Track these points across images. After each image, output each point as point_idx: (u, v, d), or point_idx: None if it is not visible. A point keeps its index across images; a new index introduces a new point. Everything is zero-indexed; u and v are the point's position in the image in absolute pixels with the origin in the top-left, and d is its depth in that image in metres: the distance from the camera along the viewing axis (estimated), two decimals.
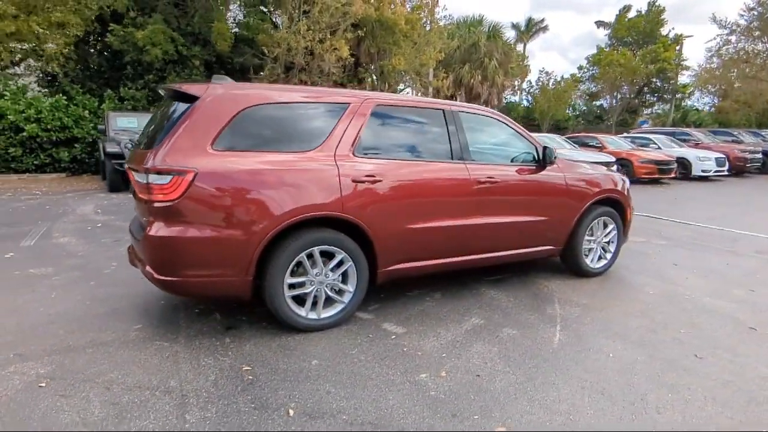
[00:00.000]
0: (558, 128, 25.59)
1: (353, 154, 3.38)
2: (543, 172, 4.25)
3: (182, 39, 15.23)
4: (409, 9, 18.25)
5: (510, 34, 28.29)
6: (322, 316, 3.38)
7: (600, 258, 4.81)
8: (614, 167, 12.01)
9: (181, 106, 3.12)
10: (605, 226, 4.75)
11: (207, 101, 3.03)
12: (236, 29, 15.66)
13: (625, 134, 18.36)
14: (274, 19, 16.19)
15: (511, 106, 28.72)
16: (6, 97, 12.80)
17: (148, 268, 3.07)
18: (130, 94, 14.66)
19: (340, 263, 3.39)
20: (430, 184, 3.66)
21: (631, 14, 34.46)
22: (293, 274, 3.26)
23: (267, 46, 14.75)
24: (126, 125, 11.39)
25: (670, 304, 4.04)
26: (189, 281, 3.03)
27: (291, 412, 2.42)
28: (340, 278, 3.45)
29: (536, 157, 4.22)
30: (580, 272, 4.68)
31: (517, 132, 4.27)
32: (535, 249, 4.35)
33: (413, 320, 3.61)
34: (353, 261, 3.40)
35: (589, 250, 4.71)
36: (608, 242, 4.83)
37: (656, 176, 13.40)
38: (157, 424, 2.30)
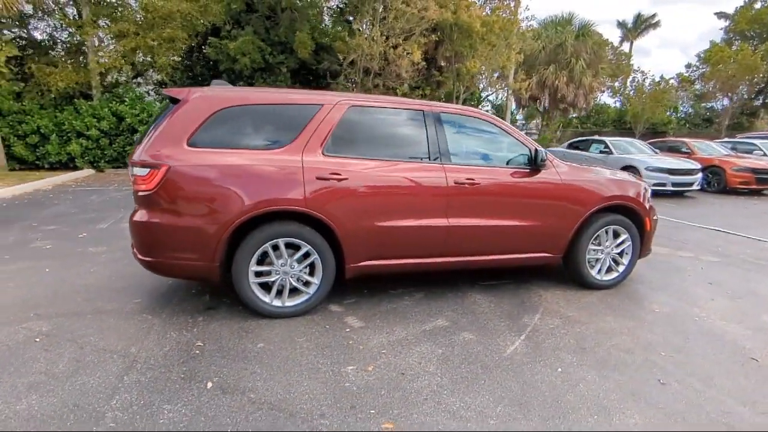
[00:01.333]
0: (655, 132, 23.24)
1: (322, 153, 3.49)
2: (536, 176, 4.00)
3: (270, 48, 16.40)
4: (488, 11, 17.82)
5: (609, 33, 26.31)
6: (286, 304, 3.54)
7: (610, 270, 4.40)
8: (698, 175, 10.73)
9: (171, 108, 3.47)
10: (616, 235, 4.33)
11: (186, 103, 3.34)
12: (318, 37, 16.44)
13: (726, 139, 16.21)
14: (351, 27, 16.73)
15: (600, 108, 26.64)
16: (126, 103, 14.79)
17: (134, 248, 3.46)
18: None
19: (307, 255, 3.52)
20: (400, 184, 3.64)
21: (758, 5, 30.30)
22: (261, 263, 3.47)
23: (342, 53, 15.33)
24: None
25: (669, 324, 3.60)
26: (164, 262, 3.37)
27: (209, 384, 2.61)
28: (307, 270, 3.58)
29: (530, 159, 4.00)
30: (585, 283, 4.33)
31: (509, 134, 4.07)
32: (526, 255, 4.12)
33: (378, 317, 3.63)
34: (318, 254, 3.52)
35: (596, 260, 4.33)
36: (621, 254, 4.40)
37: (755, 186, 11.69)
38: (96, 380, 2.61)
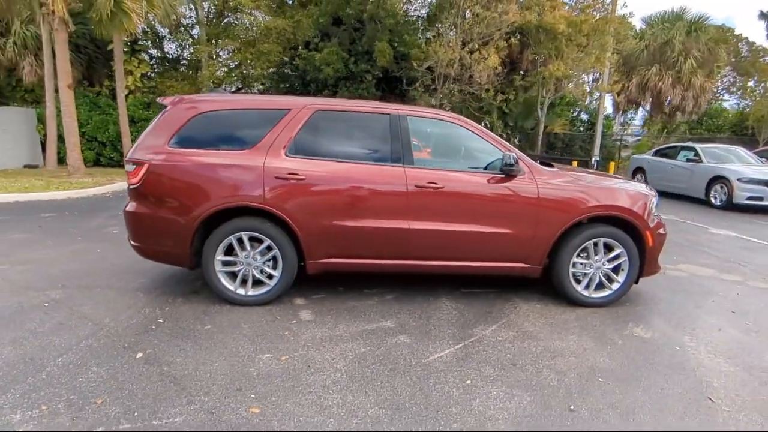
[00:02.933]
0: None
1: (285, 154, 3.68)
2: (510, 182, 3.77)
3: (353, 58, 17.09)
4: (577, 11, 16.66)
5: (749, 27, 22.61)
6: (249, 293, 3.78)
7: (601, 287, 3.97)
8: None
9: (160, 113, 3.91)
10: (609, 249, 3.90)
11: (169, 109, 3.75)
12: (397, 46, 16.74)
13: None
14: (427, 35, 16.75)
15: (715, 111, 23.18)
16: None
17: (128, 234, 3.96)
18: None
19: (271, 249, 3.74)
20: (359, 185, 3.69)
21: None
22: (230, 254, 3.75)
23: (418, 60, 15.43)
24: None
25: (637, 351, 3.17)
26: (148, 248, 3.82)
27: (139, 355, 2.93)
28: (271, 263, 3.79)
29: (503, 165, 3.77)
30: (570, 299, 3.96)
31: (483, 138, 3.88)
32: (498, 264, 3.89)
33: (333, 313, 3.70)
34: (279, 249, 3.71)
35: (584, 275, 3.94)
36: (616, 270, 3.95)
37: None
38: (60, 341, 3.07)
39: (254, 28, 18.48)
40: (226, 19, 20.00)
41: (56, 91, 12.91)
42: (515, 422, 2.34)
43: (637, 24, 20.56)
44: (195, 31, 20.24)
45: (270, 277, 3.79)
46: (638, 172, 12.66)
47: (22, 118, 15.64)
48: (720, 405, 2.54)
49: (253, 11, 18.56)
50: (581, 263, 3.91)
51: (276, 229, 3.69)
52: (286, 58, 17.96)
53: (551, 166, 4.10)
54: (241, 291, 3.78)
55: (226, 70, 19.78)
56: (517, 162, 3.68)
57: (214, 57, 19.33)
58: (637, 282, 4.09)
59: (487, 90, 16.13)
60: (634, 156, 14.11)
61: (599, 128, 17.74)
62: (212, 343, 3.13)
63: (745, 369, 2.96)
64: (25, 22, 15.04)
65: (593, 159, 11.22)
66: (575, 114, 21.87)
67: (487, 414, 2.41)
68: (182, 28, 21.18)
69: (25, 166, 14.86)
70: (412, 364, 2.91)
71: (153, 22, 18.37)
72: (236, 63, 19.72)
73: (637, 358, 3.07)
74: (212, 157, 3.65)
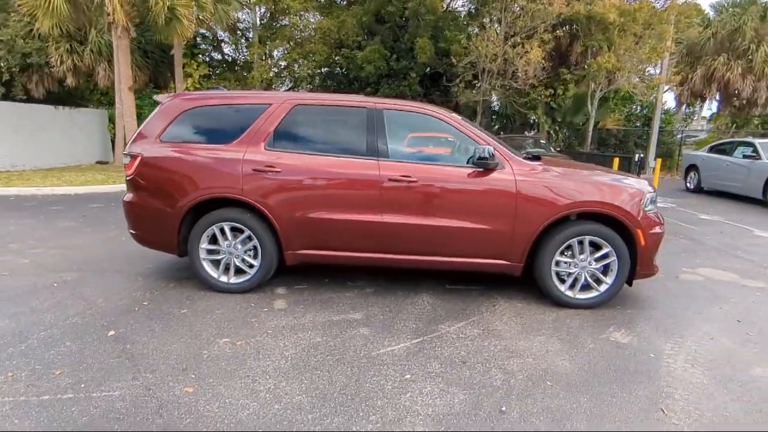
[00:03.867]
0: None
1: (264, 147, 3.77)
2: (488, 176, 3.62)
3: (395, 56, 17.08)
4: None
5: None
6: (231, 281, 3.91)
7: (588, 288, 3.72)
8: None
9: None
10: (597, 248, 3.64)
11: (162, 105, 3.96)
12: (439, 42, 16.50)
13: None
14: (468, 30, 16.34)
15: None
16: None
17: (126, 223, 4.22)
18: None
19: (251, 239, 3.85)
20: (332, 178, 3.70)
21: None
22: (213, 243, 3.90)
23: (459, 56, 15.12)
24: None
25: (605, 358, 2.92)
26: (142, 235, 4.06)
27: (111, 333, 3.13)
28: (252, 252, 3.89)
29: (480, 159, 3.62)
30: (554, 300, 3.74)
31: (461, 132, 3.74)
32: (476, 261, 3.75)
33: (307, 304, 3.74)
34: (258, 239, 3.81)
35: (568, 274, 3.70)
36: (604, 270, 3.68)
37: None
38: (51, 317, 3.34)
39: (302, 29, 18.95)
40: (279, 23, 20.68)
41: None
42: (436, 419, 2.26)
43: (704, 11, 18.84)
44: (251, 34, 21.12)
45: (251, 266, 3.90)
46: (691, 170, 11.63)
47: (96, 119, 17.10)
48: (670, 418, 2.30)
49: (302, 13, 19.09)
50: (565, 262, 3.68)
51: (255, 220, 3.79)
52: (336, 57, 18.26)
53: (538, 159, 3.88)
54: (223, 278, 3.92)
55: (276, 70, 20.46)
56: (492, 156, 3.52)
57: (265, 58, 20.02)
58: (630, 284, 3.80)
59: (533, 86, 15.53)
60: (687, 153, 12.99)
61: (656, 123, 16.51)
62: (181, 325, 3.28)
63: (720, 382, 2.65)
64: (100, 31, 16.37)
65: (636, 156, 10.42)
66: (634, 109, 20.43)
67: (411, 409, 2.34)
68: (238, 32, 22.17)
69: (97, 162, 16.24)
70: (360, 356, 2.89)
71: (213, 27, 19.41)
72: (286, 64, 20.36)
73: (601, 363, 2.85)
74: (197, 150, 3.81)
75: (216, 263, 3.93)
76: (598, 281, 3.70)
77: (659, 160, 10.89)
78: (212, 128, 3.91)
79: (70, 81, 16.54)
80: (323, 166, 3.72)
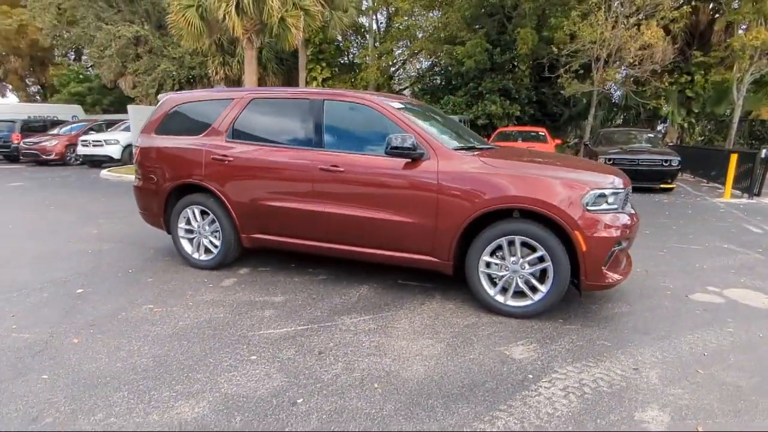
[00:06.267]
0: None
1: (225, 138, 4.07)
2: (412, 167, 3.35)
3: (498, 48, 16.25)
4: None
5: None
6: (201, 258, 4.32)
7: (521, 294, 3.20)
8: None
9: None
10: (533, 250, 3.12)
11: (160, 103, 4.54)
12: (543, 31, 15.18)
13: None
14: (571, 16, 14.66)
15: None
16: None
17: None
18: (451, 101, 17.03)
19: (214, 222, 4.20)
20: (273, 167, 3.82)
21: None
22: (189, 224, 4.35)
23: (564, 44, 13.74)
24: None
25: (472, 372, 2.53)
26: (144, 215, 4.69)
27: (80, 291, 3.74)
28: (218, 234, 4.24)
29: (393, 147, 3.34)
30: (484, 304, 3.32)
31: (394, 122, 3.49)
32: (405, 255, 3.51)
33: (250, 284, 3.92)
34: (218, 221, 4.14)
35: (500, 278, 3.24)
36: (540, 275, 3.14)
37: None
38: (59, 275, 4.12)
39: (411, 30, 19.17)
40: (393, 26, 21.26)
41: None
42: (228, 398, 2.27)
43: None
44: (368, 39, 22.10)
45: (216, 246, 4.25)
46: None
47: None
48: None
49: (412, 14, 19.31)
50: (496, 264, 3.24)
51: (216, 204, 4.12)
52: (439, 55, 18.13)
53: (474, 149, 3.47)
54: (195, 255, 4.35)
55: (393, 70, 21.07)
56: (410, 146, 3.25)
57: (379, 58, 20.71)
58: (580, 294, 3.18)
59: (656, 72, 13.37)
60: None
61: None
62: (132, 290, 3.76)
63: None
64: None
65: (763, 152, 8.15)
66: None
67: (218, 386, 2.38)
68: (357, 36, 23.36)
69: None
70: (237, 334, 2.99)
71: (337, 33, 20.82)
72: (401, 62, 20.85)
73: (461, 375, 2.48)
74: (177, 141, 4.28)
75: (191, 241, 4.38)
76: (533, 289, 3.18)
77: None
78: (192, 122, 4.34)
79: None
80: (267, 155, 3.87)
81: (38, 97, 30.79)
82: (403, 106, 3.80)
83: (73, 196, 8.83)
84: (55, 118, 18.99)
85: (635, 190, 9.65)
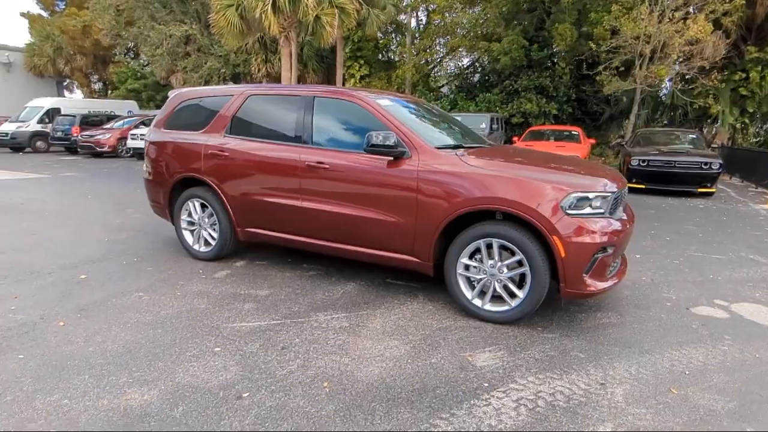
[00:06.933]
0: None
1: (224, 133, 4.15)
2: (394, 165, 3.28)
3: (536, 45, 15.69)
4: None
5: None
6: (201, 250, 4.44)
7: (500, 299, 3.06)
8: None
9: None
10: (512, 254, 2.97)
11: (168, 99, 4.69)
12: (583, 26, 14.46)
13: None
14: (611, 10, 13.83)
15: None
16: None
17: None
18: (486, 98, 16.64)
19: (213, 215, 4.30)
20: (262, 162, 3.86)
21: None
22: (191, 216, 4.48)
23: (604, 40, 13.06)
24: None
25: (428, 376, 2.44)
26: (155, 207, 4.87)
27: (83, 276, 3.93)
28: (216, 227, 4.34)
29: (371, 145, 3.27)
30: (461, 307, 3.20)
31: (378, 120, 3.42)
32: (387, 254, 3.44)
33: (242, 277, 3.98)
34: (215, 214, 4.24)
35: (478, 281, 3.11)
36: (520, 281, 2.98)
37: None
38: (68, 261, 4.36)
39: (449, 27, 18.86)
40: (432, 24, 21.02)
41: None
42: (178, 388, 2.30)
43: None
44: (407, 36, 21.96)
45: (214, 239, 4.35)
46: None
47: None
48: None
49: (451, 11, 18.99)
50: (473, 266, 3.11)
51: (213, 198, 4.21)
52: (476, 52, 17.76)
53: (459, 148, 3.34)
54: (196, 247, 4.47)
55: (430, 67, 20.85)
56: (391, 144, 3.17)
57: (415, 56, 20.54)
58: (562, 302, 3.00)
59: (704, 69, 12.47)
60: None
61: None
62: (129, 277, 3.91)
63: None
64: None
65: None
66: None
67: (173, 376, 2.42)
68: (397, 34, 23.28)
69: None
70: (208, 325, 3.03)
71: (375, 30, 20.85)
72: (432, 61, 20.59)
73: (418, 378, 2.40)
74: (181, 136, 4.41)
75: (192, 233, 4.51)
76: (512, 294, 3.03)
77: None
78: (196, 117, 4.45)
79: None
80: (260, 151, 3.90)
81: (99, 93, 32.80)
82: (391, 102, 3.72)
83: (113, 186, 9.33)
84: (112, 113, 20.18)
85: (671, 193, 9.11)
